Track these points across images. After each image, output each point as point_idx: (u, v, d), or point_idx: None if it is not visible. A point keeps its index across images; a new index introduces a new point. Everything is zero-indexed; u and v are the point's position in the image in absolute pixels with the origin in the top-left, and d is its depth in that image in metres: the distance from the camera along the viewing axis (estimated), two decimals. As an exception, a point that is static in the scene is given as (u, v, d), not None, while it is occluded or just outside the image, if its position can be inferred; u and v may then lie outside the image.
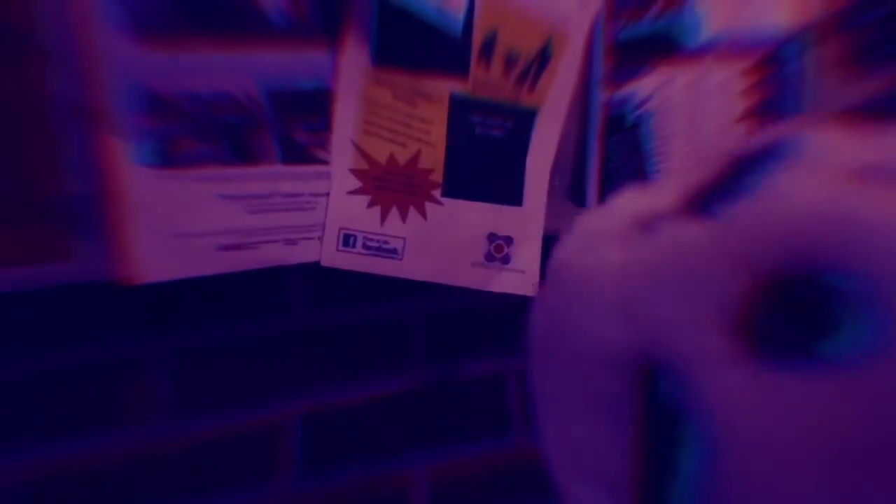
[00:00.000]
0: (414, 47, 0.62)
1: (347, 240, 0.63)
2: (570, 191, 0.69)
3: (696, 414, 0.19)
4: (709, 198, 0.23)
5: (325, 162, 0.61)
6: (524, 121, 0.66)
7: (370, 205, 0.64)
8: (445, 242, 0.66)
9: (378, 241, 0.65)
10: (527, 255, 0.67)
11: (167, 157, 0.54)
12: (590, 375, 0.22)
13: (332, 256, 0.63)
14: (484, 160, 0.66)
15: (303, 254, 0.61)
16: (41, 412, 0.54)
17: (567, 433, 0.23)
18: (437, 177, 0.65)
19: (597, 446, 0.21)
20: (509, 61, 0.64)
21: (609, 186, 0.69)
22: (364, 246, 0.64)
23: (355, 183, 0.63)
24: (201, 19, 0.55)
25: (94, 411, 0.56)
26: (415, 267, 0.65)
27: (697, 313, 0.20)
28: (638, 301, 0.21)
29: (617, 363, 0.21)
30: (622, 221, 0.25)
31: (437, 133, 0.64)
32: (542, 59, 0.65)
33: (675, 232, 0.23)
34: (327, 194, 0.61)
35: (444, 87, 0.64)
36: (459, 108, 0.64)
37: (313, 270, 0.62)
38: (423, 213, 0.65)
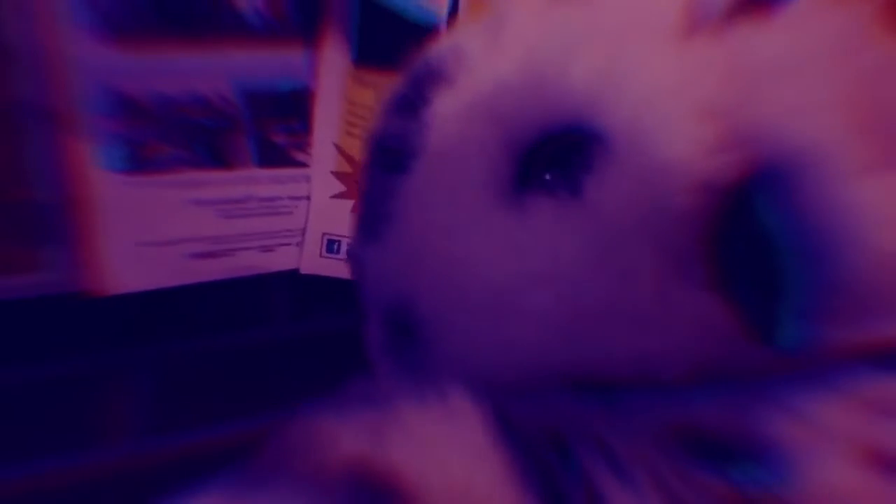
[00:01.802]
0: (396, 46, 0.60)
1: (331, 245, 0.61)
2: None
3: (820, 228, 0.18)
4: None
5: (304, 165, 0.59)
6: (512, 120, 0.64)
7: (354, 209, 0.62)
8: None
9: (363, 246, 0.63)
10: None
11: (137, 161, 0.52)
12: (659, 214, 0.19)
13: (314, 263, 0.61)
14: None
15: (280, 261, 0.59)
16: (11, 429, 0.52)
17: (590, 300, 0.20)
18: (423, 179, 0.63)
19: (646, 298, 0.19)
20: (496, 58, 0.62)
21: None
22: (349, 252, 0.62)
23: (338, 186, 0.61)
24: (174, 19, 0.54)
25: (68, 427, 0.54)
26: (401, 273, 0.63)
27: (841, 119, 0.19)
28: (754, 106, 0.19)
29: (706, 190, 0.18)
30: (667, 18, 0.21)
31: (422, 134, 0.62)
32: (530, 55, 0.62)
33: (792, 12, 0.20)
34: (307, 198, 0.59)
35: (429, 86, 0.62)
36: (445, 108, 0.62)
37: (295, 278, 0.60)
38: (409, 217, 0.63)
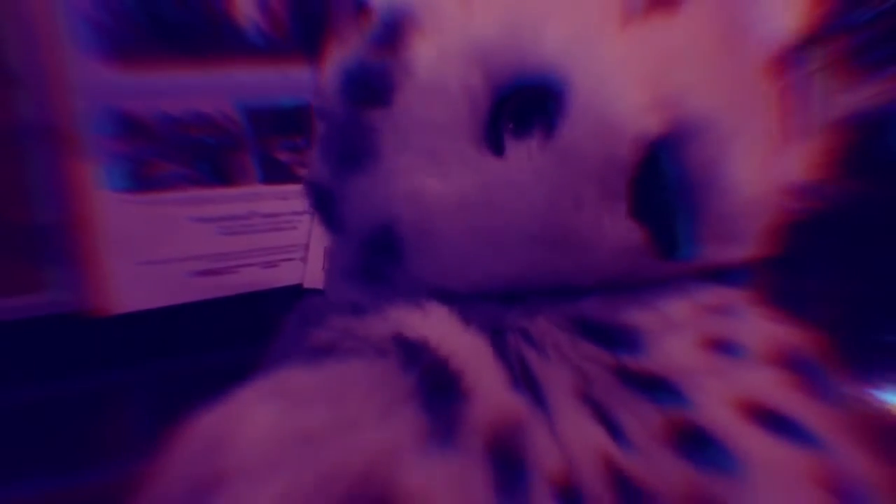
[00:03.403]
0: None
1: (335, 260, 0.61)
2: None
3: (701, 178, 0.25)
4: None
5: (308, 181, 0.59)
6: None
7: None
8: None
9: (367, 261, 0.62)
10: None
11: (139, 180, 0.53)
12: (605, 158, 0.24)
13: (318, 278, 0.60)
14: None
15: (284, 276, 0.59)
16: (12, 448, 0.52)
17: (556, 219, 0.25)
18: (427, 193, 0.62)
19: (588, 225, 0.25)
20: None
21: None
22: (353, 266, 0.62)
23: (342, 201, 0.61)
24: (176, 40, 0.54)
25: (69, 446, 0.54)
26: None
27: (723, 95, 0.25)
28: (667, 81, 0.25)
29: (636, 142, 0.24)
30: (612, 4, 0.26)
31: (425, 148, 0.62)
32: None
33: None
34: (309, 213, 0.59)
35: (431, 100, 0.62)
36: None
37: (298, 293, 0.59)
38: (413, 231, 0.63)
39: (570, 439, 0.22)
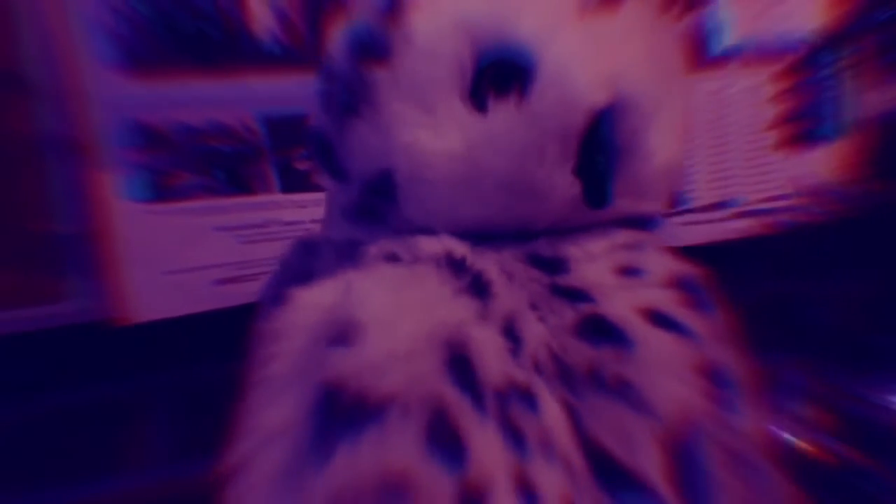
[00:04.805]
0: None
1: (355, 268, 0.61)
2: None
3: (635, 139, 0.32)
4: None
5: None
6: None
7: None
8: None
9: (387, 268, 0.62)
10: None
11: (159, 190, 0.53)
12: (564, 124, 0.31)
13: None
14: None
15: (303, 285, 0.59)
16: (35, 457, 0.52)
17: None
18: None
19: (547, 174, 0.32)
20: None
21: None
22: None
23: (361, 209, 0.61)
24: (194, 50, 0.54)
25: (90, 455, 0.55)
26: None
27: (649, 75, 0.32)
28: (610, 63, 0.31)
29: (587, 112, 0.31)
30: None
31: (444, 154, 0.62)
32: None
33: None
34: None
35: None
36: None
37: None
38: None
39: (529, 332, 0.31)
